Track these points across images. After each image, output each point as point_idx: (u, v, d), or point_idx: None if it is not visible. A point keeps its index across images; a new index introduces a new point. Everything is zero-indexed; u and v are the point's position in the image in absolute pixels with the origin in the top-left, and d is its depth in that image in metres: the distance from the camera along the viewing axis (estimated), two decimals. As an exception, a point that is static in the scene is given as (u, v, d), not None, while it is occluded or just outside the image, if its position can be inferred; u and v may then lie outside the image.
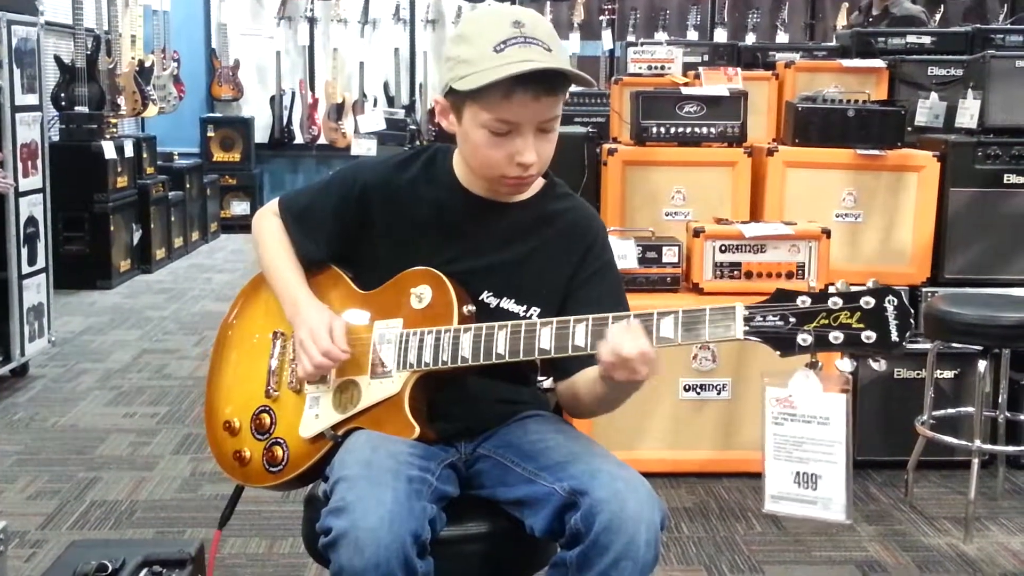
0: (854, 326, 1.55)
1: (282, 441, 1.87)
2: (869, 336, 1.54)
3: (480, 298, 1.83)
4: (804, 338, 1.56)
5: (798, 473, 1.66)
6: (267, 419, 1.90)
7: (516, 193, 1.85)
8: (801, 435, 1.66)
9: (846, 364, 1.59)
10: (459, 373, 1.78)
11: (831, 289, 1.58)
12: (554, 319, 1.70)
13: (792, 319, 1.57)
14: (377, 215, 1.89)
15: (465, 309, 1.78)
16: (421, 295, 1.81)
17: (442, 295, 1.79)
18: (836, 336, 1.55)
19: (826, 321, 1.56)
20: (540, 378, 2.03)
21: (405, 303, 1.82)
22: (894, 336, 1.54)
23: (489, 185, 1.83)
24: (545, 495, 1.70)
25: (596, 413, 1.88)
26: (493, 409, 1.89)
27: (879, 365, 1.61)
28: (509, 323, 1.72)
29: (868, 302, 1.55)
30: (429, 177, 1.90)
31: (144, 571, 1.96)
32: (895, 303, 1.54)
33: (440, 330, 1.76)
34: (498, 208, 1.87)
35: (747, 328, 1.58)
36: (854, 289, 1.57)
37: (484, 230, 1.87)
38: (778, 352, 1.58)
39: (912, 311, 1.56)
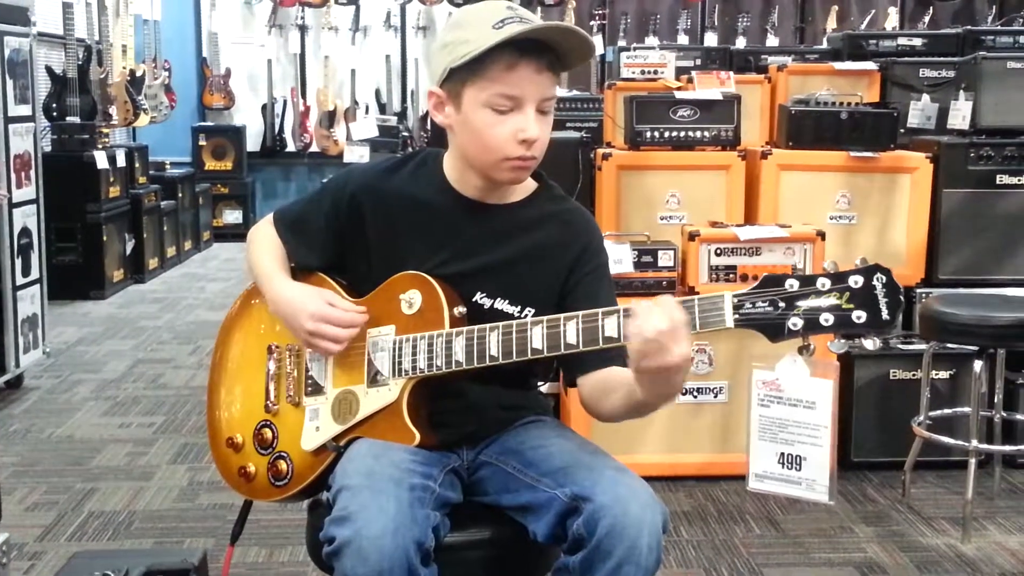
0: (844, 306, 1.51)
1: (285, 455, 1.87)
2: (860, 316, 1.50)
3: (473, 299, 1.82)
4: (794, 322, 1.52)
5: (782, 454, 1.66)
6: (269, 433, 1.90)
7: (516, 180, 1.82)
8: (787, 418, 1.65)
9: (838, 345, 1.56)
10: (455, 377, 1.77)
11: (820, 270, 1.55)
12: (544, 318, 1.68)
13: (781, 304, 1.53)
14: (368, 220, 1.88)
15: (456, 311, 1.77)
16: (411, 300, 1.80)
17: (431, 299, 1.78)
18: (827, 318, 1.51)
19: (816, 303, 1.53)
20: (539, 383, 2.03)
21: (396, 309, 1.81)
22: (885, 314, 1.50)
23: (488, 174, 1.80)
24: (547, 501, 1.70)
25: (616, 419, 1.77)
26: (494, 415, 1.89)
27: (872, 344, 1.57)
28: (500, 324, 1.71)
29: (856, 281, 1.51)
30: (419, 180, 1.89)
31: (147, 581, 1.96)
32: (884, 280, 1.50)
33: (432, 335, 1.75)
34: (490, 209, 1.86)
35: (737, 316, 1.54)
36: (842, 269, 1.53)
37: (476, 231, 1.85)
38: (770, 338, 1.55)
39: (900, 287, 1.52)
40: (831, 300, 1.52)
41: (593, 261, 1.87)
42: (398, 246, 1.86)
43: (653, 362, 1.52)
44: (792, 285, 1.54)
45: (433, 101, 1.82)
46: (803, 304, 1.53)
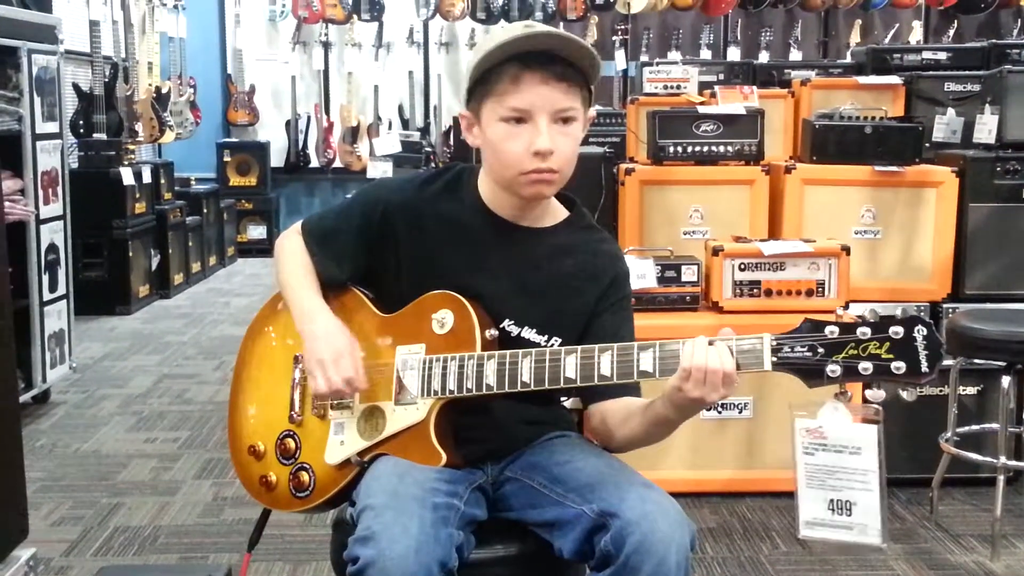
0: (883, 356, 1.54)
1: (308, 466, 1.87)
2: (899, 367, 1.53)
3: (502, 326, 1.82)
4: (833, 369, 1.56)
5: (832, 500, 1.65)
6: (292, 444, 1.90)
7: (539, 195, 1.81)
8: (833, 464, 1.64)
9: (877, 394, 1.58)
10: (483, 398, 1.77)
11: (858, 315, 1.56)
12: (579, 347, 1.69)
13: (821, 350, 1.56)
14: (400, 235, 1.88)
15: (488, 334, 1.77)
16: (443, 320, 1.79)
17: (464, 320, 1.78)
18: (865, 367, 1.55)
19: (855, 352, 1.55)
20: (563, 398, 2.03)
21: (427, 328, 1.80)
22: (924, 367, 1.53)
23: (513, 190, 1.81)
24: (574, 517, 1.70)
25: (633, 444, 1.81)
26: (518, 431, 1.89)
27: (909, 395, 1.59)
28: (533, 351, 1.71)
29: (897, 332, 1.54)
30: (453, 197, 1.89)
31: (173, 597, 1.97)
32: (924, 332, 1.53)
33: (464, 357, 1.75)
34: (523, 232, 1.86)
35: (775, 359, 1.58)
36: (882, 316, 1.55)
37: (508, 254, 1.85)
38: (806, 383, 1.58)
39: (942, 341, 1.54)
40: (870, 349, 1.55)
41: (618, 294, 1.89)
42: (430, 263, 1.86)
43: (696, 392, 1.59)
44: (832, 332, 1.57)
45: (464, 123, 1.85)
46: (842, 351, 1.56)
